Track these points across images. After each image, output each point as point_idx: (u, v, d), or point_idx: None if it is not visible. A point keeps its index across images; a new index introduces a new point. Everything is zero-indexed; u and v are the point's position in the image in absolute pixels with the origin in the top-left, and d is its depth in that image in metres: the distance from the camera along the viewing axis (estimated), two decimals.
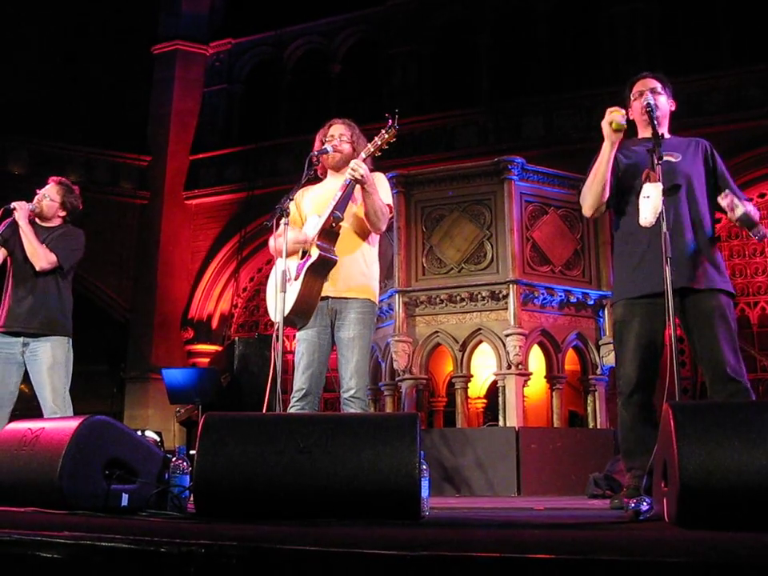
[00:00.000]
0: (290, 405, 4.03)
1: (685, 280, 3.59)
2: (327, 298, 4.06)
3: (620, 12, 13.53)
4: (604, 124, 3.73)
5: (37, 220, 5.01)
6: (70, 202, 5.09)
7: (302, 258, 4.06)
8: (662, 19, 13.45)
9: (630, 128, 3.91)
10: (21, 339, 4.81)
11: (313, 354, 4.05)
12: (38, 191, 5.04)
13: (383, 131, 3.99)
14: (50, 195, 5.03)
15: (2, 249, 4.94)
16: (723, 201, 3.69)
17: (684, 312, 3.66)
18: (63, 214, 5.08)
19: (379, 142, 4.00)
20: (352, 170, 3.90)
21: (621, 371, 3.83)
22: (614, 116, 3.69)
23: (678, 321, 3.70)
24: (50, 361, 4.77)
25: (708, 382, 3.70)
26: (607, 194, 3.81)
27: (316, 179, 4.38)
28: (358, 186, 3.99)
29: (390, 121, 3.94)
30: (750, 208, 3.69)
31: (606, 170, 3.76)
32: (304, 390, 4.01)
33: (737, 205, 3.65)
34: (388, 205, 4.13)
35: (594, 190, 3.81)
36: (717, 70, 12.58)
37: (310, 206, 4.24)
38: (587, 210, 3.90)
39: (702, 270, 3.69)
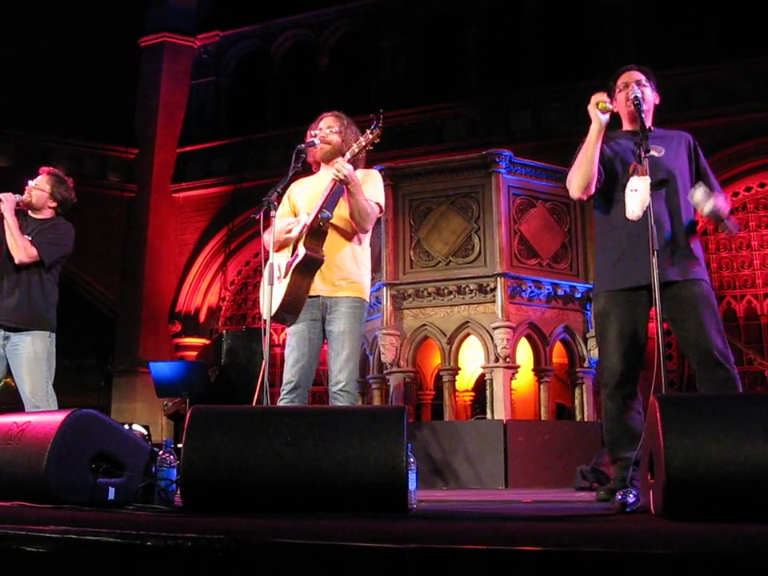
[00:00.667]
0: (280, 398, 4.04)
1: (664, 275, 3.59)
2: (318, 296, 4.07)
3: (609, 5, 13.54)
4: (591, 107, 3.74)
5: (29, 212, 5.00)
6: (60, 192, 5.06)
7: (292, 255, 4.07)
8: (651, 12, 13.45)
9: (614, 120, 3.92)
10: (2, 333, 4.81)
11: (303, 348, 4.06)
12: (28, 182, 5.02)
13: (368, 131, 3.99)
14: (39, 185, 5.01)
15: None
16: (694, 196, 3.69)
17: (666, 302, 3.66)
18: (54, 204, 5.05)
19: (364, 143, 3.99)
20: (336, 170, 3.90)
21: (605, 363, 3.84)
22: (598, 97, 3.71)
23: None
24: (30, 355, 4.76)
25: (695, 367, 3.71)
26: (595, 174, 3.79)
27: (309, 172, 4.38)
28: None
29: (375, 121, 3.94)
30: (720, 202, 3.70)
31: (594, 150, 3.75)
32: (293, 383, 4.02)
33: (707, 201, 3.65)
34: (378, 203, 4.13)
35: (582, 170, 3.79)
36: (706, 64, 12.59)
37: (303, 200, 4.24)
38: (575, 190, 3.85)
39: (681, 263, 3.71)
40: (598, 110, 3.71)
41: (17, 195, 4.91)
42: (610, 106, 3.74)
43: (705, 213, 3.68)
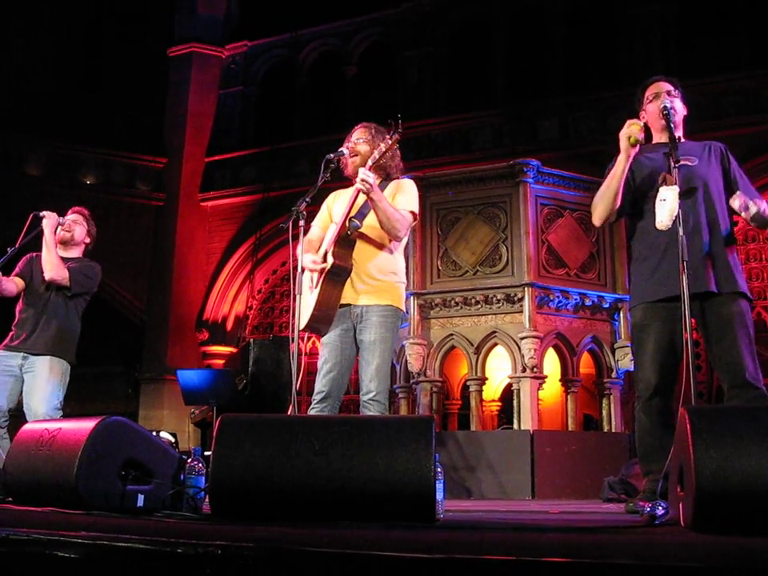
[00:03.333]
0: (311, 407, 4.06)
1: (703, 284, 3.59)
2: (349, 305, 4.08)
3: (636, 13, 13.48)
4: (622, 136, 3.73)
5: (59, 248, 5.07)
6: (93, 229, 5.29)
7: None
8: (679, 21, 13.37)
9: (646, 132, 3.90)
10: (21, 353, 4.90)
11: (335, 358, 4.07)
12: (61, 219, 5.09)
13: (387, 137, 4.00)
14: (79, 222, 5.17)
15: (21, 282, 5.03)
16: (735, 202, 3.69)
17: (703, 315, 3.65)
18: (88, 240, 5.26)
19: (384, 148, 4.00)
20: (361, 180, 3.91)
21: (640, 375, 3.81)
22: (632, 129, 3.70)
23: (695, 324, 3.70)
24: (46, 373, 4.86)
25: (725, 386, 3.69)
26: (618, 205, 3.82)
27: (339, 182, 4.39)
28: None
29: (394, 126, 3.95)
30: (764, 206, 3.68)
31: (618, 183, 3.77)
32: (324, 393, 4.03)
33: (750, 205, 3.64)
34: (411, 211, 4.13)
35: (605, 201, 3.83)
36: (734, 72, 12.50)
37: (337, 211, 4.27)
38: (597, 219, 3.93)
39: (720, 273, 3.68)
40: (629, 143, 3.70)
41: (60, 217, 5.02)
42: (641, 139, 3.73)
43: (750, 216, 3.65)
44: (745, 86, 12.39)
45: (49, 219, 4.92)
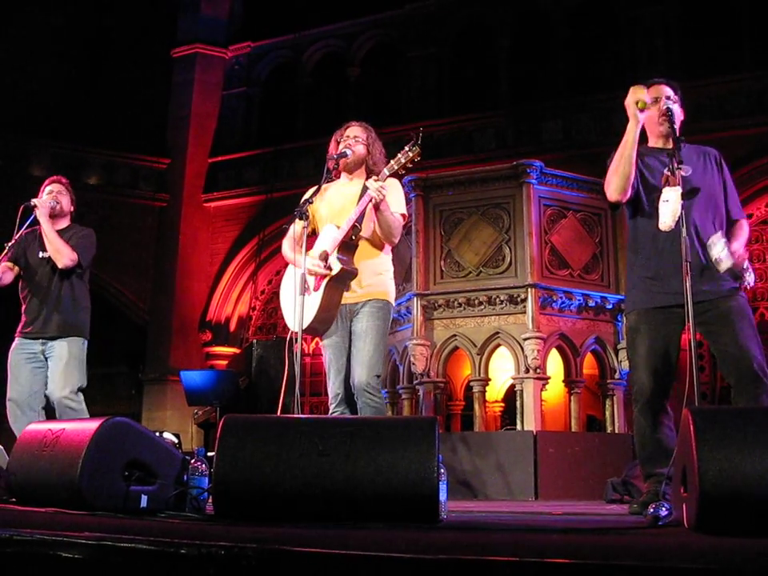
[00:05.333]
0: (330, 411, 4.08)
1: (698, 293, 3.55)
2: (345, 304, 4.10)
3: (639, 15, 13.47)
4: (629, 102, 3.70)
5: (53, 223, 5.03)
6: (73, 197, 5.20)
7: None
8: (682, 21, 13.36)
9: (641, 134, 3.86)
10: (39, 340, 4.88)
11: (341, 359, 4.09)
12: (41, 193, 5.04)
13: (407, 149, 3.95)
14: (63, 192, 5.09)
15: (15, 267, 5.00)
16: (710, 251, 3.60)
17: (703, 315, 3.63)
18: (73, 209, 5.18)
19: (403, 160, 3.97)
20: (377, 190, 3.88)
21: (635, 378, 3.81)
22: (639, 95, 3.68)
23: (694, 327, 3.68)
24: (65, 356, 4.83)
25: (733, 381, 3.64)
26: (633, 177, 3.74)
27: (329, 180, 4.39)
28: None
29: (414, 139, 3.91)
30: (738, 250, 3.62)
31: (631, 151, 3.71)
32: (340, 395, 4.06)
33: (721, 260, 3.57)
34: (402, 214, 4.14)
35: (620, 170, 3.73)
36: (738, 73, 12.49)
37: (325, 209, 4.25)
38: (613, 191, 3.77)
39: (714, 280, 3.66)
40: (637, 107, 3.67)
41: (49, 201, 4.97)
42: (648, 103, 3.69)
43: (721, 270, 3.60)
44: (748, 88, 12.37)
45: (41, 207, 4.85)
